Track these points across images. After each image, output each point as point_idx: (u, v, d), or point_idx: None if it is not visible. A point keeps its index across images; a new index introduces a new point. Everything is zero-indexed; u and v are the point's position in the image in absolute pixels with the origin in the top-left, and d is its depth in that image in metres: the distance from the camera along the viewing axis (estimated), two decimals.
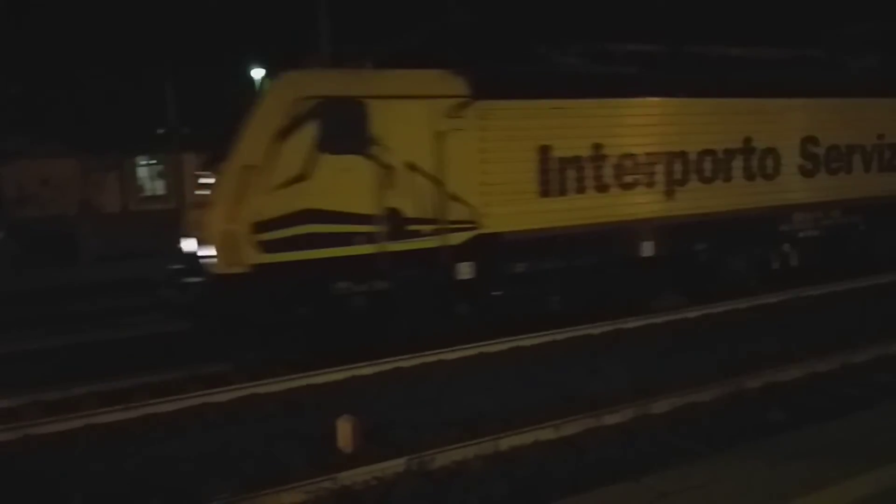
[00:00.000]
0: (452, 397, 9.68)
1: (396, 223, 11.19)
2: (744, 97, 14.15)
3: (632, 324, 12.60)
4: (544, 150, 12.32)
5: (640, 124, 13.13)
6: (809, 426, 7.35)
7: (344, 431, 7.98)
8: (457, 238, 11.68)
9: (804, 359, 10.18)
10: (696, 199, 13.72)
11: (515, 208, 12.10)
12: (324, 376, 10.34)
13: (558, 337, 11.96)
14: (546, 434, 8.01)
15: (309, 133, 10.67)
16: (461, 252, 11.72)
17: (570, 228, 12.54)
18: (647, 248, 13.36)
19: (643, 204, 13.23)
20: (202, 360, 11.23)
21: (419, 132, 11.30)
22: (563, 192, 12.53)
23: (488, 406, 9.17)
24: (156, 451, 8.38)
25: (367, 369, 10.56)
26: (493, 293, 12.17)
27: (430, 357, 11.02)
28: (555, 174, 12.43)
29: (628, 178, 13.10)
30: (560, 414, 8.45)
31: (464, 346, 11.31)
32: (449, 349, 11.21)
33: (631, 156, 13.08)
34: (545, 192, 12.37)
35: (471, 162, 11.70)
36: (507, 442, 7.82)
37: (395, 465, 7.35)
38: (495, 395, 9.66)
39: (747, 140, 14.22)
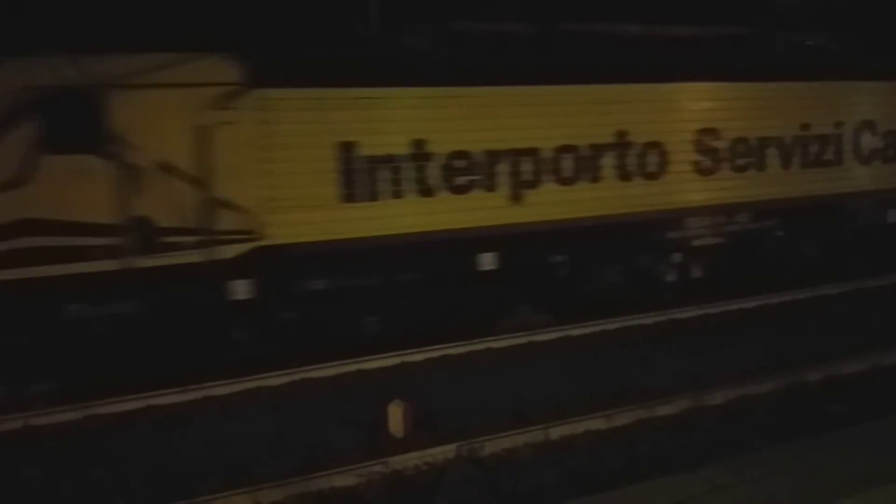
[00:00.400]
0: (501, 385, 9.66)
1: (146, 234, 9.54)
2: (617, 83, 12.04)
3: (686, 314, 12.21)
4: (347, 148, 10.49)
5: (477, 117, 11.15)
6: (870, 420, 7.28)
7: (395, 416, 8.09)
8: (229, 251, 9.98)
9: (865, 351, 9.97)
10: (551, 204, 11.72)
11: (309, 216, 10.31)
12: (374, 362, 10.36)
13: (609, 327, 11.71)
14: (597, 424, 8.08)
15: (26, 130, 9.08)
16: (236, 267, 10.03)
17: (384, 239, 10.72)
18: (487, 261, 11.45)
19: (480, 210, 11.29)
20: None
21: (175, 127, 9.60)
22: (373, 196, 10.70)
23: (537, 394, 9.16)
24: (211, 432, 8.52)
25: (416, 356, 10.56)
26: (284, 315, 10.47)
27: (478, 345, 10.92)
28: (362, 176, 10.61)
29: (460, 181, 11.19)
30: (611, 404, 8.46)
31: (513, 335, 11.21)
32: (497, 337, 11.14)
33: (464, 154, 11.15)
34: (350, 197, 10.55)
35: (247, 162, 9.96)
36: (558, 431, 7.92)
37: (446, 451, 7.50)
38: (544, 384, 9.62)
39: (621, 133, 12.12)
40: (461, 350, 10.78)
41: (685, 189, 12.62)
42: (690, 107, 12.58)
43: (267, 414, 9.01)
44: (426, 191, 10.97)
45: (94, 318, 9.44)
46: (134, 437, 8.52)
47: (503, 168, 11.39)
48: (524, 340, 11.11)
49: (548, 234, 11.70)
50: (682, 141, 12.54)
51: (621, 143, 12.11)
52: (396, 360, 10.42)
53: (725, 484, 5.57)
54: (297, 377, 9.87)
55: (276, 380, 9.77)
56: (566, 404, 8.66)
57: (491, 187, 11.35)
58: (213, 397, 9.39)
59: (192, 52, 9.75)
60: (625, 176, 12.18)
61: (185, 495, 6.79)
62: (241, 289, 10.09)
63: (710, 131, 12.75)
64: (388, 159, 10.71)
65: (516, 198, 11.52)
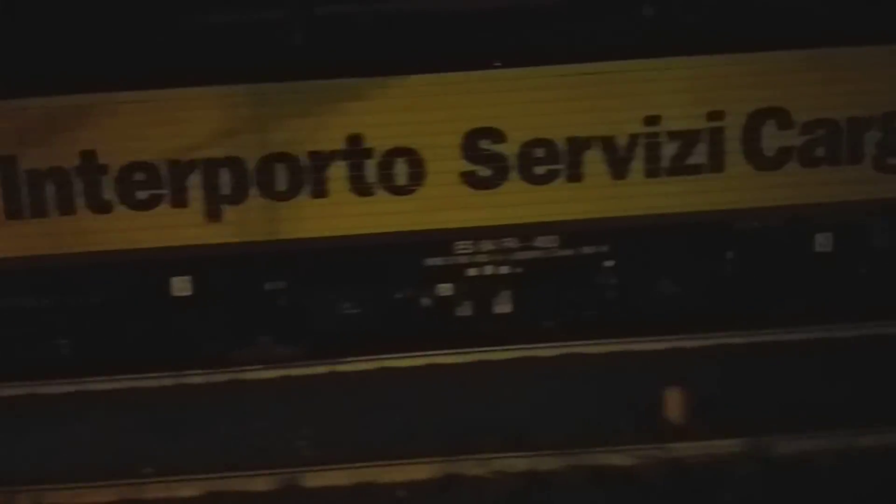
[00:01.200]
0: (792, 382, 9.04)
1: None
2: (344, 77, 9.93)
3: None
4: (7, 161, 9.89)
5: (158, 124, 9.88)
6: None
7: (672, 402, 8.09)
8: None
9: None
10: (261, 222, 10.09)
11: None
12: (645, 344, 10.26)
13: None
14: None
15: None
16: None
17: (55, 258, 10.01)
18: (181, 286, 10.19)
19: (168, 228, 10.06)
20: None
21: None
22: (40, 212, 9.99)
23: (836, 396, 8.51)
24: (487, 395, 9.07)
25: (688, 342, 10.26)
26: None
27: (762, 336, 10.19)
28: (25, 191, 9.94)
29: (141, 195, 10.03)
30: None
31: (806, 328, 10.27)
32: (788, 329, 10.25)
33: (142, 165, 9.97)
34: (13, 213, 9.98)
35: None
36: (866, 440, 7.39)
37: (731, 444, 7.35)
38: (846, 386, 8.85)
39: (354, 139, 10.02)
40: (739, 340, 10.17)
41: (451, 206, 10.13)
42: (457, 102, 10.01)
43: (539, 383, 9.26)
44: (100, 206, 10.02)
45: None
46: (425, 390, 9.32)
47: (195, 181, 10.02)
48: (820, 335, 10.17)
49: (258, 258, 10.12)
50: (444, 146, 10.06)
51: (354, 151, 10.04)
52: (668, 345, 10.19)
53: None
54: (567, 350, 10.07)
55: (547, 351, 10.07)
56: (870, 410, 7.98)
57: (181, 202, 10.05)
58: (488, 362, 9.97)
59: None
60: (361, 190, 10.09)
61: (469, 451, 7.44)
62: None
63: (489, 132, 10.07)
64: (54, 173, 9.93)
65: (214, 215, 10.09)
